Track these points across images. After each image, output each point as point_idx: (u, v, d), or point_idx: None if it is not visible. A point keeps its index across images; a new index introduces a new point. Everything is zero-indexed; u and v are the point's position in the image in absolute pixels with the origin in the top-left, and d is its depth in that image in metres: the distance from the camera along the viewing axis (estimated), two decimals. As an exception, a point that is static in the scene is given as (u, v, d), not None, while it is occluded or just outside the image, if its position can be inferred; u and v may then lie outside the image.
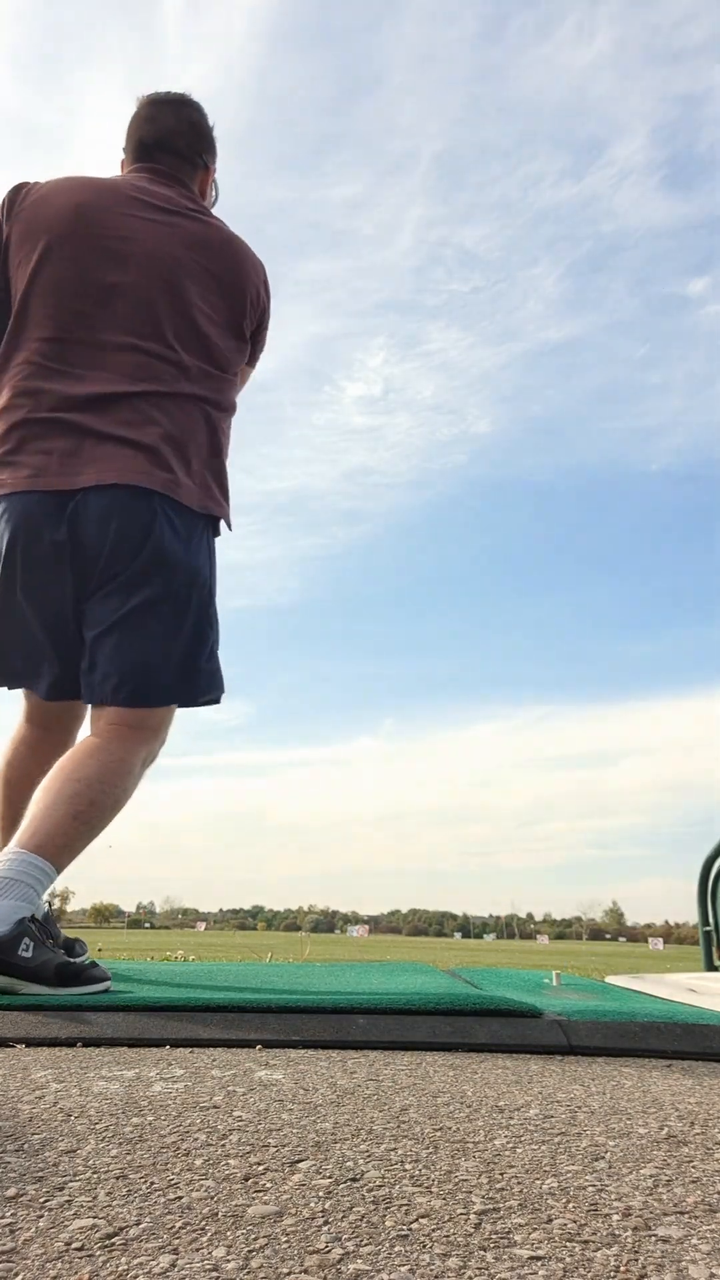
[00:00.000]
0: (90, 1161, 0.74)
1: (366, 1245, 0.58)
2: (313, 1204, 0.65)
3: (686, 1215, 0.66)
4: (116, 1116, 0.89)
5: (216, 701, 2.00)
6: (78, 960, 1.72)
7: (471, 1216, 0.64)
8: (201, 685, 1.93)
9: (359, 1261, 0.56)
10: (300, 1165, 0.75)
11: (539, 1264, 0.56)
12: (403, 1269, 0.55)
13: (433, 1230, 0.61)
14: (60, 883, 1.79)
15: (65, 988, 1.64)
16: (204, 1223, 0.61)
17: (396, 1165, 0.75)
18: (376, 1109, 0.95)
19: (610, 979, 2.96)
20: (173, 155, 2.10)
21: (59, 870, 1.67)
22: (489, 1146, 0.82)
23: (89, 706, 1.88)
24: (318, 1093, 1.02)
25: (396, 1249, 0.58)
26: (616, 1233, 0.61)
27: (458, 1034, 1.38)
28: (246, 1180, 0.70)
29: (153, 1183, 0.70)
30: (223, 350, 1.97)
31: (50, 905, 1.78)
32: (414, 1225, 0.62)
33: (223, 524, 2.02)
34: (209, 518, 1.96)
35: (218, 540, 2.03)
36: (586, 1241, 0.60)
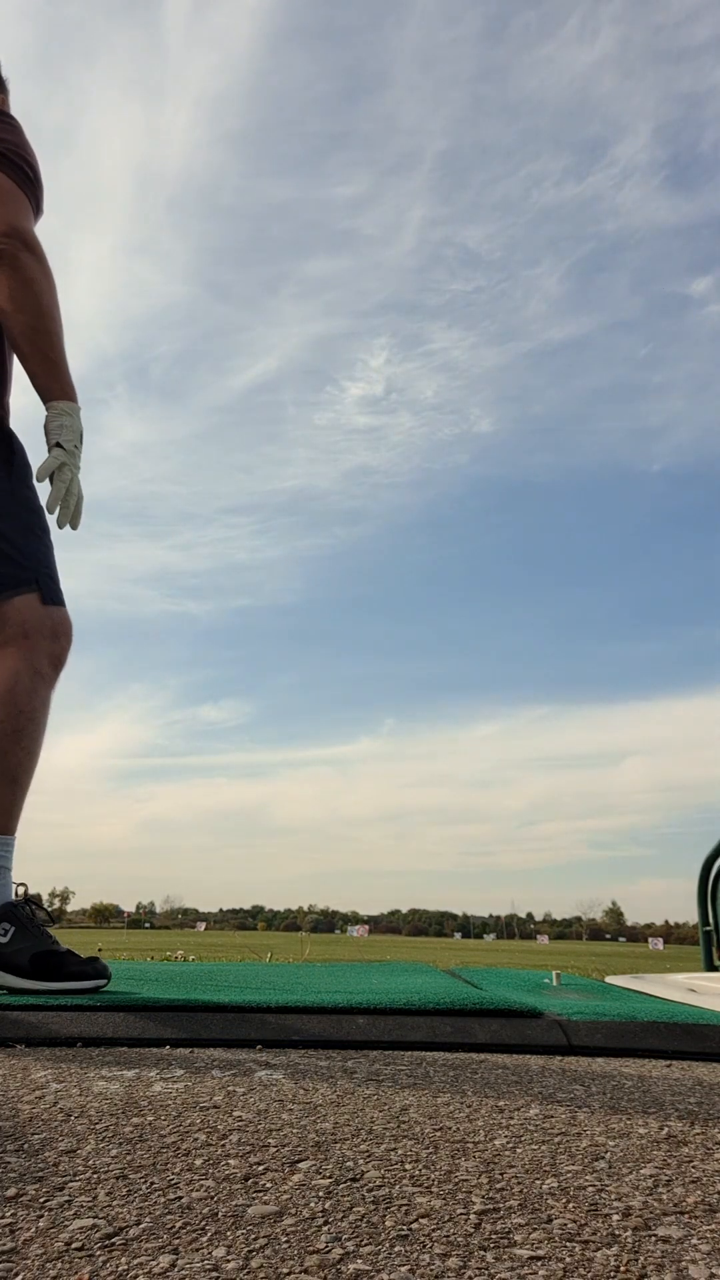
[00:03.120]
0: (90, 1161, 0.74)
1: (366, 1245, 0.58)
2: (313, 1204, 0.65)
3: (686, 1215, 0.66)
4: (116, 1116, 0.89)
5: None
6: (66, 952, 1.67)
7: (471, 1216, 0.64)
8: None
9: (359, 1261, 0.56)
10: (300, 1165, 0.75)
11: (539, 1264, 0.56)
12: (403, 1269, 0.55)
13: (433, 1230, 0.61)
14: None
15: (41, 980, 1.57)
16: (204, 1223, 0.61)
17: (396, 1165, 0.75)
18: (376, 1109, 0.95)
19: (610, 979, 2.96)
20: None
21: (10, 833, 1.69)
22: (489, 1146, 0.82)
23: None
24: (318, 1093, 1.02)
25: (396, 1249, 0.58)
26: (616, 1233, 0.61)
27: (458, 1034, 1.38)
28: (246, 1180, 0.70)
29: (153, 1183, 0.70)
30: None
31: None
32: (414, 1225, 0.62)
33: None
34: None
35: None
36: (586, 1241, 0.60)
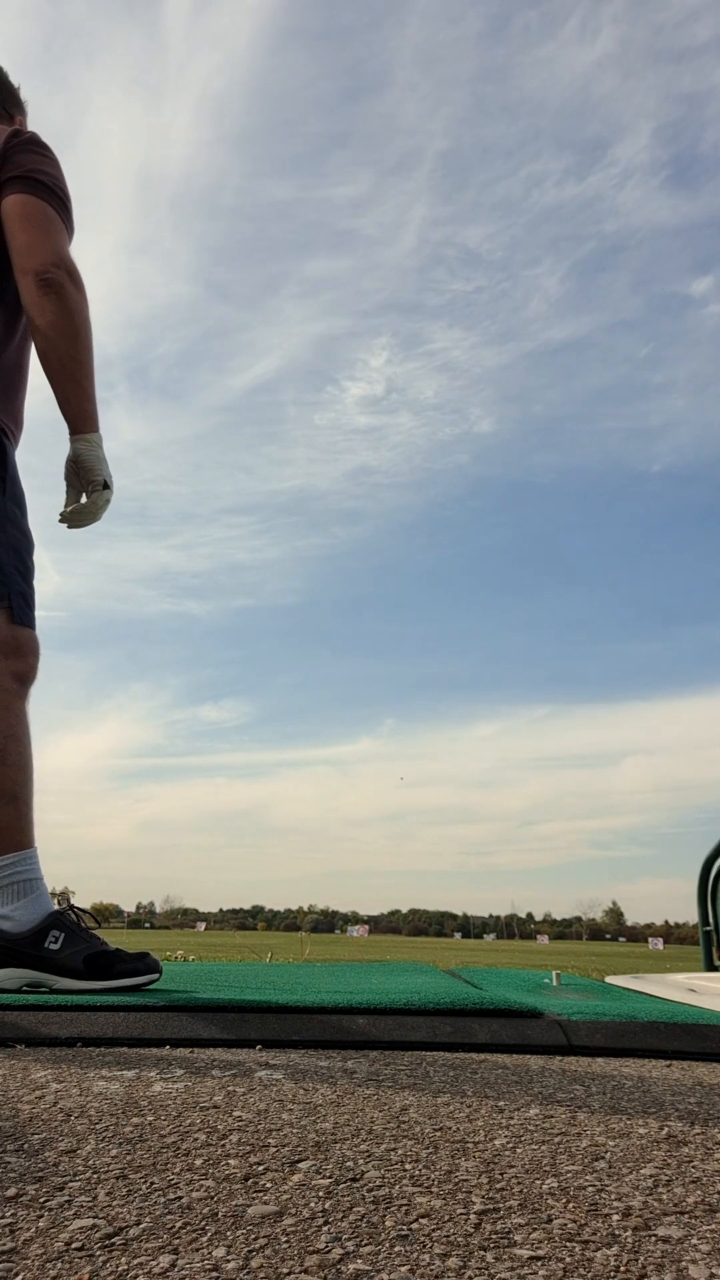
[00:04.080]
0: (90, 1161, 0.74)
1: (366, 1245, 0.58)
2: (313, 1204, 0.65)
3: (686, 1215, 0.65)
4: (116, 1116, 0.89)
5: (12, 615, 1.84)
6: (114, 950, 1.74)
7: (471, 1216, 0.64)
8: None
9: (359, 1261, 0.56)
10: (300, 1165, 0.75)
11: (539, 1264, 0.56)
12: (403, 1269, 0.55)
13: (433, 1230, 0.61)
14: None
15: (99, 980, 1.65)
16: (204, 1223, 0.61)
17: (396, 1165, 0.75)
18: (376, 1109, 0.95)
19: (610, 979, 2.96)
20: None
21: (26, 848, 1.73)
22: (489, 1146, 0.82)
23: None
24: (318, 1093, 1.02)
25: (396, 1249, 0.58)
26: (616, 1233, 0.61)
27: (458, 1034, 1.38)
28: (246, 1180, 0.70)
29: (153, 1183, 0.70)
30: None
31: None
32: (414, 1225, 0.62)
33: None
34: None
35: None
36: (586, 1241, 0.60)
